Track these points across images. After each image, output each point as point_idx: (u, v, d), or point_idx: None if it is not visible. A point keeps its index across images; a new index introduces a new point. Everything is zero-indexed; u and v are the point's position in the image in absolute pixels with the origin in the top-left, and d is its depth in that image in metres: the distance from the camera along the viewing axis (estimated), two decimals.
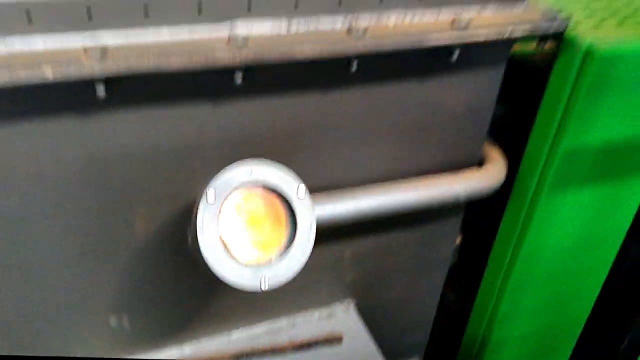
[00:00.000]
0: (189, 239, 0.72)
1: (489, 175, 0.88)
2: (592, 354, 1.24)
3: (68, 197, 0.66)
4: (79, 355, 0.79)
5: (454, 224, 0.97)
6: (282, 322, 0.92)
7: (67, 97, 0.59)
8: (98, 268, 0.73)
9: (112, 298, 0.76)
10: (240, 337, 0.89)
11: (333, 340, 0.90)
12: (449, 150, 0.86)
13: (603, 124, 0.89)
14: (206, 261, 0.63)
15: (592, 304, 1.16)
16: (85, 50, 0.55)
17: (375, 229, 0.89)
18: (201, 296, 0.83)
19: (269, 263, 0.65)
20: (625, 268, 1.11)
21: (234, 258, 0.64)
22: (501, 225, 0.99)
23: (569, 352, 1.24)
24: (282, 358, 0.87)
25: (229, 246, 0.64)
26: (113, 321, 0.78)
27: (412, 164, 0.84)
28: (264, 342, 0.88)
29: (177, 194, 0.71)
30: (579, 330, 1.20)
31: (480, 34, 0.71)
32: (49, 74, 0.53)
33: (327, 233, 0.80)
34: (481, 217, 1.02)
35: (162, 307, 0.81)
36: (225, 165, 0.63)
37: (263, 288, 0.64)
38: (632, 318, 1.18)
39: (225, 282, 0.63)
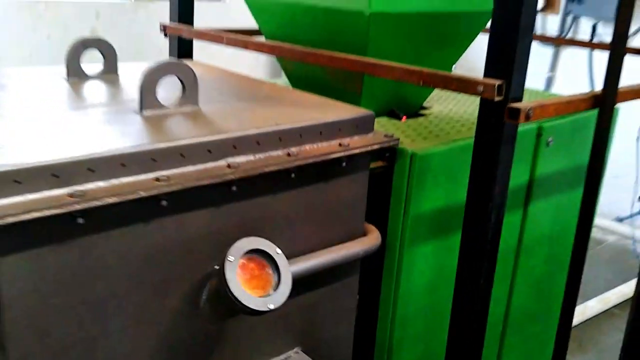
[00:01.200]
0: (204, 297, 1.09)
1: (372, 241, 1.37)
2: None
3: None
4: None
5: (355, 278, 1.42)
6: None
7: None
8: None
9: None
10: None
11: None
12: (346, 227, 1.34)
13: (430, 198, 1.45)
14: (236, 298, 1.00)
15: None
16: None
17: (309, 285, 1.31)
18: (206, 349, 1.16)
19: (269, 295, 1.05)
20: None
21: (250, 294, 1.02)
22: (384, 274, 1.48)
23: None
24: None
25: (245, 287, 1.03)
26: None
27: (325, 240, 1.30)
28: None
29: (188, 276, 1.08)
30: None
31: (356, 148, 1.23)
32: None
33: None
34: (370, 273, 1.49)
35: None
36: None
37: (270, 308, 1.03)
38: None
39: (248, 310, 1.01)
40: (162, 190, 0.96)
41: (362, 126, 1.30)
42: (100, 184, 0.92)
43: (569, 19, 4.54)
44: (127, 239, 0.96)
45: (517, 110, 1.16)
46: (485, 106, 1.21)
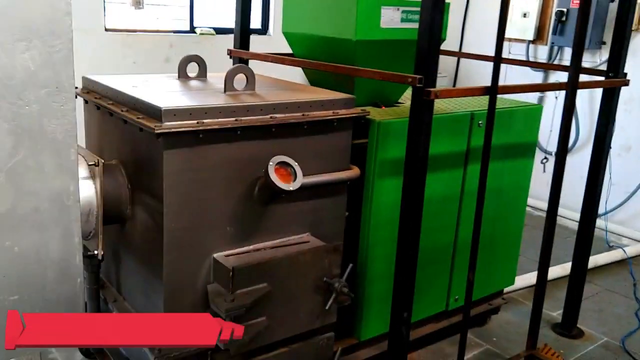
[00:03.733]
0: (257, 188, 2.05)
1: (354, 173, 2.32)
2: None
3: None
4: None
5: (344, 196, 2.37)
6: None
7: None
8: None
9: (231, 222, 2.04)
10: None
11: None
12: (337, 163, 2.30)
13: (393, 148, 2.39)
14: (273, 182, 1.97)
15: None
16: None
17: (315, 195, 2.26)
18: (252, 219, 2.13)
19: (290, 184, 2.01)
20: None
21: (280, 181, 1.99)
22: (363, 198, 2.43)
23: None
24: None
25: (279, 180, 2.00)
26: (230, 229, 2.05)
27: (323, 168, 2.26)
28: None
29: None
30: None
31: (342, 115, 2.20)
32: None
33: None
34: (355, 197, 2.44)
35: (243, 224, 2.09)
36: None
37: (290, 189, 1.99)
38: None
39: (278, 189, 1.97)
40: (236, 125, 1.95)
41: (347, 104, 2.27)
42: (208, 120, 1.91)
43: (556, 48, 5.41)
44: (222, 149, 1.95)
45: (429, 92, 2.11)
46: (414, 90, 2.16)
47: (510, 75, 5.22)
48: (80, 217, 1.62)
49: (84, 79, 2.35)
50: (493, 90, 2.28)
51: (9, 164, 1.42)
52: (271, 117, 2.04)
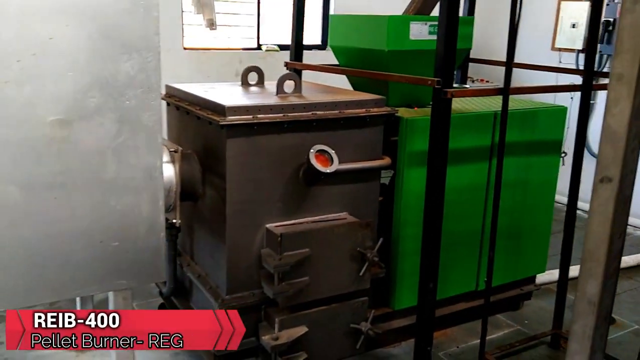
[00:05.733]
0: (301, 172, 2.52)
1: (385, 162, 2.75)
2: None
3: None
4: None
5: (377, 182, 2.80)
6: None
7: None
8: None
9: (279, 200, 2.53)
10: None
11: None
12: (370, 154, 2.73)
13: (419, 142, 2.80)
14: (313, 166, 2.43)
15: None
16: None
17: (351, 180, 2.70)
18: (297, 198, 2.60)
19: (327, 168, 2.47)
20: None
21: (320, 166, 2.45)
22: (395, 188, 2.84)
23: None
24: None
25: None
26: (279, 205, 2.53)
27: (358, 157, 2.70)
28: None
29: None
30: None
31: (374, 112, 2.64)
32: None
33: None
34: (387, 186, 2.86)
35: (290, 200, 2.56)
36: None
37: (328, 172, 2.45)
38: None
39: (317, 171, 2.43)
40: (284, 119, 2.43)
41: (378, 104, 2.71)
42: (261, 115, 2.40)
43: (605, 56, 5.61)
44: (272, 139, 2.44)
45: (446, 92, 2.52)
46: (434, 91, 2.57)
47: (561, 82, 5.47)
48: (163, 191, 2.15)
49: (167, 87, 2.92)
50: (505, 91, 2.65)
51: (114, 144, 1.95)
52: (312, 114, 2.51)
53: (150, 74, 1.96)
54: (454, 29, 2.47)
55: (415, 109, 3.10)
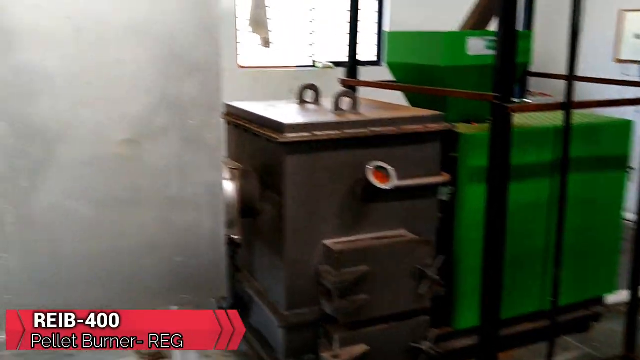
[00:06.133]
0: (358, 189, 2.53)
1: (443, 178, 2.73)
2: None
3: None
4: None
5: (435, 199, 2.77)
6: None
7: None
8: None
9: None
10: None
11: None
12: (429, 170, 2.71)
13: (478, 158, 2.76)
14: (371, 183, 2.43)
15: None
16: None
17: (410, 197, 2.68)
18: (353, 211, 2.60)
19: (386, 184, 2.47)
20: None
21: (377, 182, 2.45)
22: (455, 204, 2.81)
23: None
24: None
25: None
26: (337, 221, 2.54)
27: (416, 173, 2.68)
28: None
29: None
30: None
31: (432, 128, 2.63)
32: None
33: None
34: (446, 203, 2.83)
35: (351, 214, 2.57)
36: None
37: (386, 189, 2.44)
38: None
39: (376, 188, 2.43)
40: (341, 137, 2.45)
41: (435, 120, 2.70)
42: (319, 133, 2.42)
43: None
44: (330, 156, 2.46)
45: (505, 107, 2.48)
46: (492, 106, 2.53)
47: (625, 95, 5.30)
48: (224, 207, 2.20)
49: (226, 105, 2.99)
50: (567, 105, 2.59)
51: (178, 162, 2.02)
52: (370, 130, 2.52)
53: (212, 94, 2.02)
54: (512, 43, 2.44)
55: (473, 124, 3.06)
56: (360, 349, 2.49)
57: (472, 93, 2.64)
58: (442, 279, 2.75)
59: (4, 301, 1.89)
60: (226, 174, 2.46)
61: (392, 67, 3.29)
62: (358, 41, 3.58)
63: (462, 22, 3.29)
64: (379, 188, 2.45)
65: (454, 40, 2.87)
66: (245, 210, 2.56)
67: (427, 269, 2.58)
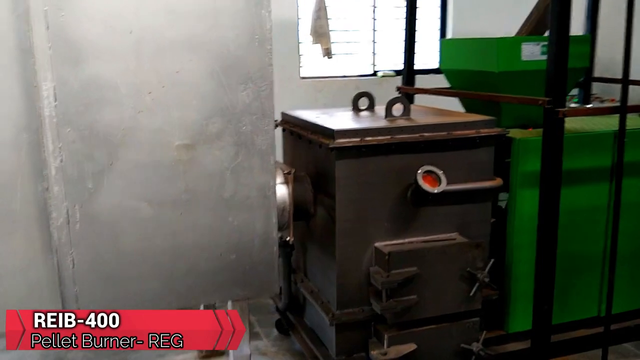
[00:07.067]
0: (409, 193, 2.57)
1: (497, 183, 2.73)
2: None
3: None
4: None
5: (489, 204, 2.77)
6: None
7: None
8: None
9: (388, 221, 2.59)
10: None
11: None
12: (481, 174, 2.72)
13: (531, 163, 2.75)
14: (421, 186, 2.48)
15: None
16: None
17: (462, 200, 2.70)
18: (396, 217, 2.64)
19: (435, 188, 2.50)
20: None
21: (427, 186, 2.49)
22: (508, 209, 2.80)
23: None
24: None
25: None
26: (387, 225, 2.60)
27: (468, 178, 2.70)
28: None
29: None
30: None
31: (484, 133, 2.64)
32: None
33: None
34: (498, 208, 2.82)
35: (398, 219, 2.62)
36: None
37: (435, 192, 2.48)
38: None
39: (424, 192, 2.47)
40: (391, 141, 2.51)
41: (487, 125, 2.70)
42: (368, 138, 2.49)
43: None
44: (380, 160, 2.52)
45: (558, 111, 2.47)
46: (544, 111, 2.52)
47: None
48: (277, 210, 2.31)
49: (283, 114, 3.11)
50: (622, 109, 2.54)
51: (232, 165, 2.14)
52: (420, 136, 2.56)
53: (264, 101, 2.13)
54: (564, 46, 2.43)
55: (530, 129, 3.04)
56: (408, 347, 2.53)
57: (523, 98, 2.64)
58: (494, 282, 2.75)
59: (73, 293, 2.06)
60: (280, 178, 2.57)
61: (447, 73, 3.32)
62: (417, 50, 3.64)
63: (519, 28, 3.28)
64: (429, 192, 2.49)
65: (508, 46, 2.88)
66: (299, 213, 2.66)
67: (477, 272, 2.59)
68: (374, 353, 2.52)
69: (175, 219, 2.12)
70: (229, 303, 2.37)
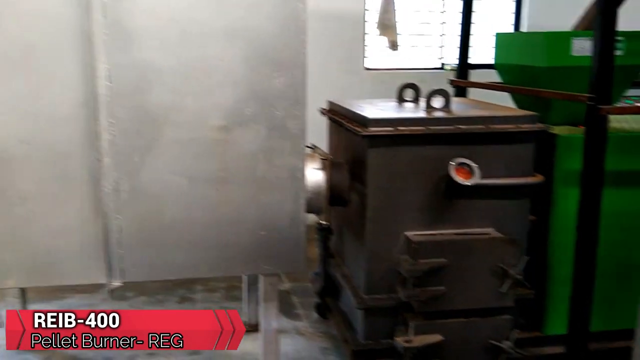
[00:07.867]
0: (444, 185, 2.61)
1: (537, 179, 2.70)
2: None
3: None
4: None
5: (527, 200, 2.75)
6: None
7: None
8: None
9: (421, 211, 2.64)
10: None
11: None
12: (520, 170, 2.71)
13: (574, 160, 2.70)
14: (457, 181, 2.51)
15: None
16: None
17: (499, 195, 2.70)
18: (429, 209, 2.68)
19: (468, 180, 2.53)
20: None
21: (460, 178, 2.52)
22: (550, 208, 2.76)
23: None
24: None
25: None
26: (418, 215, 2.65)
27: (506, 172, 2.69)
28: None
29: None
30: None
31: (524, 128, 2.63)
32: None
33: None
34: (537, 205, 2.80)
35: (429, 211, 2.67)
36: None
37: (468, 184, 2.51)
38: None
39: (458, 184, 2.50)
40: (425, 132, 2.55)
41: (529, 120, 2.68)
42: (402, 128, 2.55)
43: None
44: (414, 150, 2.58)
45: (601, 108, 2.42)
46: (587, 108, 2.48)
47: None
48: (312, 195, 2.44)
49: (328, 102, 3.21)
50: None
51: (265, 147, 2.28)
52: (456, 127, 2.59)
53: (297, 88, 2.25)
54: (609, 42, 2.38)
55: (581, 127, 2.98)
56: (434, 338, 2.57)
57: (566, 94, 2.60)
58: (529, 280, 2.73)
59: (119, 255, 2.28)
60: (317, 164, 2.68)
61: (499, 68, 3.30)
62: (471, 43, 3.64)
63: (576, 22, 3.21)
64: (460, 184, 2.52)
65: (557, 40, 2.83)
66: (335, 198, 2.75)
67: (510, 268, 2.59)
68: (398, 339, 2.58)
69: (211, 195, 2.29)
70: (261, 278, 2.51)
